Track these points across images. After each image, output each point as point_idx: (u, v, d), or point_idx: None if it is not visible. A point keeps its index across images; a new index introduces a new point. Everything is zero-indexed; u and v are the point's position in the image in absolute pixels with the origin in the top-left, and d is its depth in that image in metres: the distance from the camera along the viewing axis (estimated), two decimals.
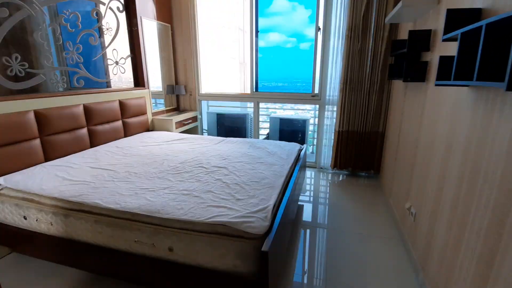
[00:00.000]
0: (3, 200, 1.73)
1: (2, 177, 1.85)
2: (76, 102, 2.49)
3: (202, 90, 4.16)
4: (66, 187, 1.73)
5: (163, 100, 4.08)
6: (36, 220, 1.64)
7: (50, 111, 2.24)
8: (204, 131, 4.71)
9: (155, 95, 3.82)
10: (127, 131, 3.09)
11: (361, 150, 3.39)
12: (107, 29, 2.92)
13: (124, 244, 1.46)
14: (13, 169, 1.97)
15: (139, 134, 3.19)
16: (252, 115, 4.01)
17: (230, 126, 4.50)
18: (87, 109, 2.58)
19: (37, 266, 1.85)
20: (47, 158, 2.23)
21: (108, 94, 2.83)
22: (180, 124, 3.63)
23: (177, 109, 4.17)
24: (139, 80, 3.40)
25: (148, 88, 3.47)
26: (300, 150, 2.77)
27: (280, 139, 4.31)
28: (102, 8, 2.83)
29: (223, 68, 6.40)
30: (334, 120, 3.47)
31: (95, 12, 2.77)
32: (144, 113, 3.35)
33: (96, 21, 2.81)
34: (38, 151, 2.16)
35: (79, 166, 2.09)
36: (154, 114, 3.61)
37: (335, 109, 3.43)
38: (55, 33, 2.39)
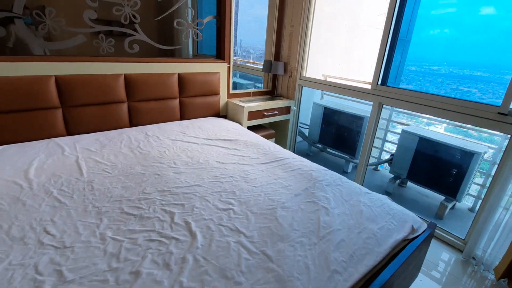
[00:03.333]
0: None
1: None
2: (117, 71, 2.08)
3: (306, 72, 2.96)
4: None
5: (262, 79, 3.24)
6: None
7: (74, 78, 1.91)
8: (303, 127, 3.56)
9: (253, 71, 3.05)
10: (186, 113, 2.51)
11: None
12: None
13: None
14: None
15: (199, 119, 2.55)
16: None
17: (339, 128, 3.12)
18: (129, 80, 2.14)
19: None
20: (70, 132, 1.98)
21: (164, 65, 2.29)
22: (258, 114, 2.70)
23: (272, 93, 3.22)
24: (221, 50, 2.67)
25: (229, 63, 2.70)
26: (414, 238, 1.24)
27: (414, 170, 2.55)
28: None
29: (354, 45, 4.61)
30: None
31: None
32: (215, 92, 2.66)
33: None
34: (59, 123, 1.92)
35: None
36: (232, 96, 2.86)
37: None
38: None
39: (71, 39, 1.97)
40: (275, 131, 3.21)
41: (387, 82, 2.26)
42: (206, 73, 2.54)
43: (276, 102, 2.86)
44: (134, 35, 2.19)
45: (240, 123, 2.62)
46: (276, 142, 3.12)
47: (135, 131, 2.11)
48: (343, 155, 3.09)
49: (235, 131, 2.31)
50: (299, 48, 2.84)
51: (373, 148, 3.13)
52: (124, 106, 2.17)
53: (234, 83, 3.85)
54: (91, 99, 2.00)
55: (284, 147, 3.14)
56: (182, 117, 2.51)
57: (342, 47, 3.63)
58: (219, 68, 2.62)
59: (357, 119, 2.91)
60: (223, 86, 2.71)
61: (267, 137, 2.81)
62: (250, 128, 2.76)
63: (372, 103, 2.35)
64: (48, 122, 1.87)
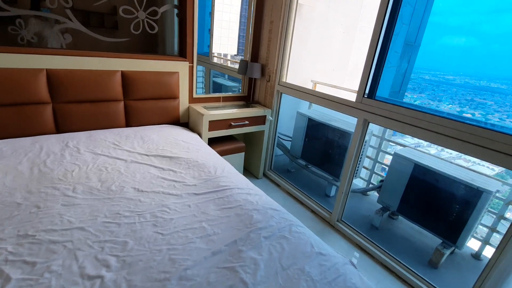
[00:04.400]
0: None
1: None
2: (37, 65, 1.68)
3: (287, 77, 2.52)
4: None
5: (239, 82, 2.82)
6: None
7: None
8: (286, 139, 3.11)
9: (233, 72, 2.67)
10: (133, 119, 2.10)
11: None
12: None
13: None
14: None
15: (150, 127, 2.14)
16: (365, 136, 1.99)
17: (324, 144, 2.66)
18: (53, 76, 1.74)
19: None
20: None
21: (100, 59, 1.88)
22: (223, 124, 2.27)
23: (247, 99, 2.79)
24: (182, 46, 2.26)
25: (192, 61, 2.28)
26: None
27: (406, 202, 2.07)
28: None
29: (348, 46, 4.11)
30: None
31: None
32: (172, 96, 2.24)
33: None
34: None
35: None
36: (196, 100, 2.44)
37: None
38: None
39: None
40: (249, 143, 2.77)
41: (376, 93, 1.80)
42: (160, 72, 2.13)
43: (248, 110, 2.43)
44: (66, 23, 1.80)
45: (200, 134, 2.20)
46: (247, 156, 2.69)
47: (55, 139, 1.71)
48: (327, 176, 2.63)
49: (185, 144, 1.89)
50: (279, 48, 2.40)
51: (363, 170, 2.67)
52: (48, 108, 1.78)
53: (219, 85, 3.46)
54: (81, 95, 1.64)
55: (257, 163, 2.71)
56: (128, 124, 2.11)
57: (337, 49, 3.18)
58: (178, 67, 2.21)
59: (345, 135, 2.46)
60: (183, 89, 2.29)
61: (233, 151, 2.38)
62: (213, 140, 2.34)
63: (356, 119, 1.90)
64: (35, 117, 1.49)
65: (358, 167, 2.21)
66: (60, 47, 1.85)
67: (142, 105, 2.11)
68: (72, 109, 1.85)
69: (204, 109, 2.26)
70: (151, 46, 2.40)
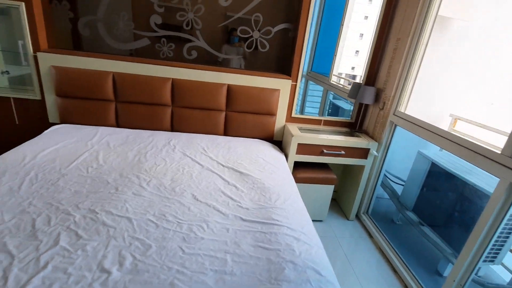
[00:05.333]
0: None
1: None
2: (166, 74, 2.07)
3: (406, 107, 2.00)
4: None
5: (349, 105, 2.54)
6: None
7: (123, 76, 2.03)
8: (397, 181, 2.48)
9: (342, 93, 2.52)
10: (230, 129, 2.24)
11: None
12: None
13: None
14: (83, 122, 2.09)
15: (243, 139, 2.22)
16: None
17: (449, 201, 1.93)
18: (176, 85, 2.09)
19: None
20: (120, 124, 2.14)
21: (214, 74, 2.10)
22: (314, 150, 2.06)
23: (354, 126, 2.42)
24: (288, 64, 2.22)
25: (296, 80, 2.20)
26: None
27: None
28: None
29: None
30: None
31: None
32: (270, 112, 2.24)
33: None
34: (111, 114, 2.11)
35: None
36: (294, 120, 2.34)
37: None
38: None
39: (137, 41, 2.12)
40: (346, 176, 2.41)
41: None
42: (262, 88, 2.17)
43: (348, 139, 2.10)
44: (194, 41, 2.13)
45: (287, 156, 2.09)
46: (336, 191, 2.34)
47: (165, 136, 2.05)
48: (444, 246, 1.90)
49: (264, 163, 1.83)
50: (402, 70, 1.95)
51: (509, 254, 1.78)
52: (168, 110, 2.16)
53: (336, 107, 3.23)
54: (139, 97, 2.09)
55: (351, 201, 2.31)
56: (226, 133, 2.26)
57: (503, 76, 2.28)
58: (280, 84, 2.19)
59: (480, 196, 1.69)
60: (282, 106, 2.25)
61: (321, 181, 2.12)
62: (302, 164, 2.16)
63: (499, 179, 1.26)
64: (102, 111, 2.09)
65: (496, 246, 1.46)
66: (186, 61, 2.22)
67: (241, 117, 2.22)
68: (185, 113, 2.17)
69: (297, 130, 2.13)
70: (258, 62, 2.51)
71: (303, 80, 2.33)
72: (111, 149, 1.76)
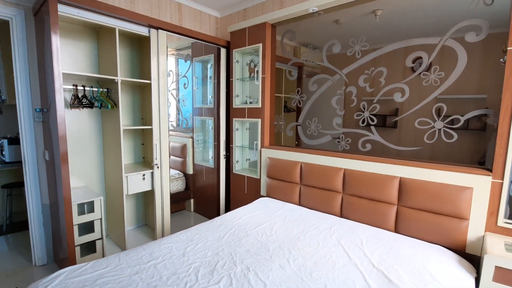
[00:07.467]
0: None
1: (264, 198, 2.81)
2: (340, 165, 2.34)
3: None
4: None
5: None
6: None
7: (307, 165, 2.51)
8: None
9: None
10: (403, 226, 2.00)
11: None
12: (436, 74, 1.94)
13: None
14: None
15: (419, 241, 1.89)
16: None
17: None
18: (346, 174, 2.28)
19: None
20: (301, 203, 2.62)
21: (382, 165, 2.08)
22: None
23: None
24: (492, 155, 1.74)
25: (501, 178, 1.65)
26: None
27: None
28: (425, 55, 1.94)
29: None
30: None
31: (416, 60, 2.01)
32: (459, 215, 1.78)
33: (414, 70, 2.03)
34: (296, 194, 2.66)
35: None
36: (504, 231, 1.66)
37: None
38: (347, 96, 2.37)
39: (322, 137, 2.62)
40: None
41: None
42: (444, 184, 1.83)
43: None
44: (369, 135, 2.30)
45: (478, 280, 1.52)
46: None
47: (330, 220, 2.23)
48: None
49: (430, 280, 1.48)
50: None
51: None
52: (339, 196, 2.36)
53: None
54: (316, 183, 2.49)
55: None
56: (397, 230, 2.05)
57: None
58: (474, 181, 1.73)
59: None
60: (479, 210, 1.73)
61: None
62: None
63: None
64: (290, 191, 2.69)
65: None
66: (360, 153, 2.38)
67: (415, 214, 1.96)
68: (353, 201, 2.27)
69: (499, 246, 1.53)
70: (441, 151, 2.10)
71: None
72: (285, 223, 2.21)
